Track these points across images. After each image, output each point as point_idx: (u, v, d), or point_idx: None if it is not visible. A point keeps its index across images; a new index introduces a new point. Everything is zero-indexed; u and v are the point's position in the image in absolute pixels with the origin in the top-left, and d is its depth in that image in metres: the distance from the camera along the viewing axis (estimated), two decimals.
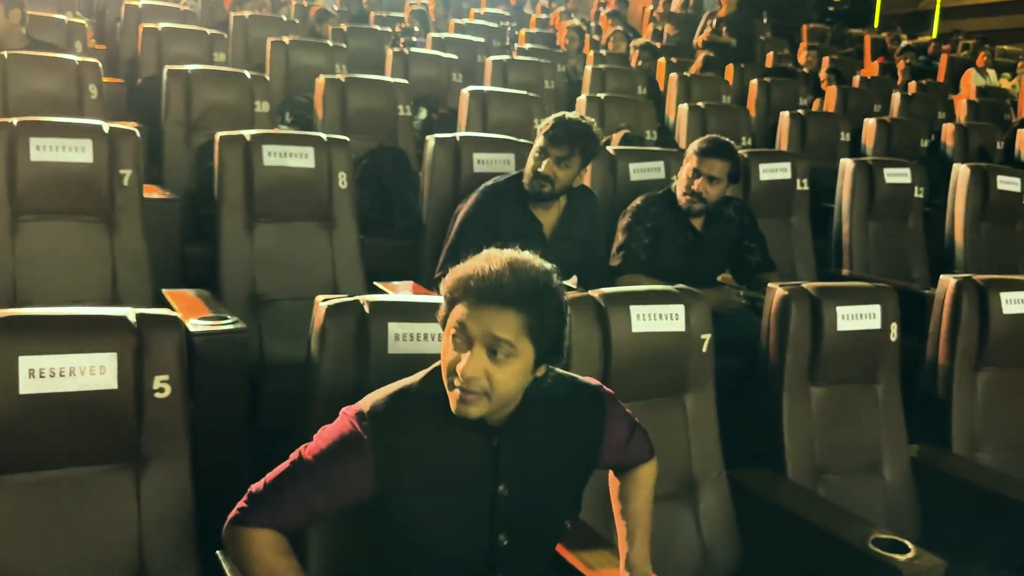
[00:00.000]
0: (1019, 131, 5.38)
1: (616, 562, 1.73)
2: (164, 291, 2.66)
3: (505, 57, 5.74)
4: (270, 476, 1.50)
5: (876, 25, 13.35)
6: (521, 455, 1.49)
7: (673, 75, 5.78)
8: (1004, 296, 2.63)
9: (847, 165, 3.87)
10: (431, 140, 3.08)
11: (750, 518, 2.25)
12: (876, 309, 2.45)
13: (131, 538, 1.68)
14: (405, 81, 4.38)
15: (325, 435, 1.49)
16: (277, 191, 2.83)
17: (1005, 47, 11.19)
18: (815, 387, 2.44)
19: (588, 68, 5.75)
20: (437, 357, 1.49)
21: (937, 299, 2.70)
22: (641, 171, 3.43)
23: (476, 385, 1.39)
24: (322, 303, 1.86)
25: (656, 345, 2.15)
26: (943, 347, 2.66)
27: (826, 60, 7.80)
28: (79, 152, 2.52)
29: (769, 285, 2.48)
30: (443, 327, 1.45)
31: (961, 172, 3.93)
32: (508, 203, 2.75)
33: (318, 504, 1.48)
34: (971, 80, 9.00)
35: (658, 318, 2.15)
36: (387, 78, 4.56)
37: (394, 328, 1.83)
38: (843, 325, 2.40)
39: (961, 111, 6.42)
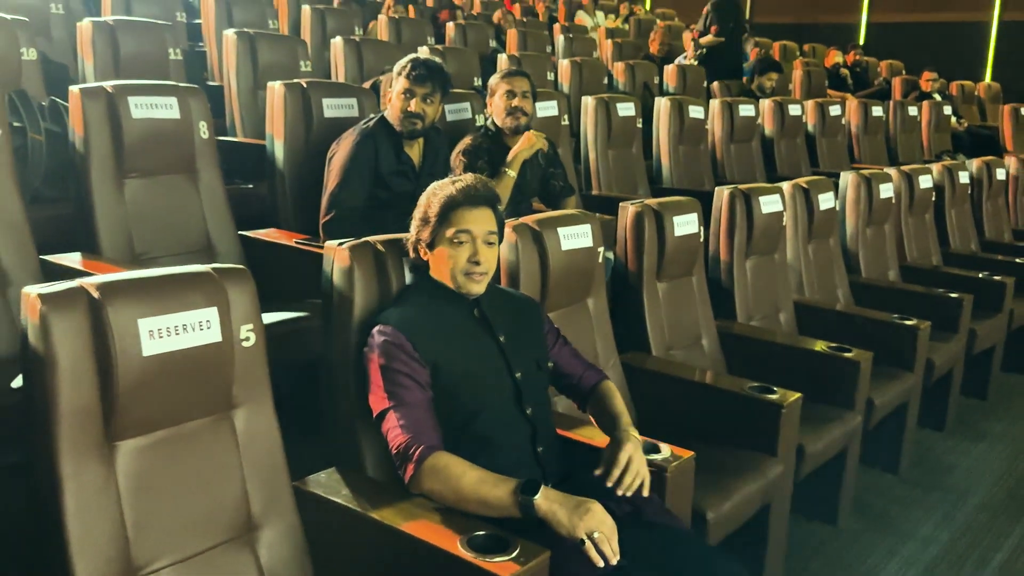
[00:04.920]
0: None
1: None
2: (46, 257, 2.50)
3: None
4: (392, 429, 1.82)
5: None
6: (499, 316, 2.03)
7: None
8: (762, 200, 3.46)
9: (589, 102, 4.53)
10: (278, 86, 3.13)
11: (641, 389, 2.81)
12: (694, 217, 3.11)
13: (237, 482, 1.77)
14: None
15: (378, 360, 1.88)
16: (146, 145, 2.74)
17: None
18: (660, 283, 3.06)
19: None
20: None
21: (715, 205, 3.45)
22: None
23: (485, 267, 1.95)
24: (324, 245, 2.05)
25: (576, 259, 2.59)
26: (723, 242, 3.43)
27: None
28: None
29: (621, 204, 3.02)
30: (429, 245, 1.97)
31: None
32: (383, 144, 2.95)
33: (424, 398, 1.87)
34: (583, 20, 10.34)
35: (576, 237, 2.58)
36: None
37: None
38: (679, 231, 3.03)
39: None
